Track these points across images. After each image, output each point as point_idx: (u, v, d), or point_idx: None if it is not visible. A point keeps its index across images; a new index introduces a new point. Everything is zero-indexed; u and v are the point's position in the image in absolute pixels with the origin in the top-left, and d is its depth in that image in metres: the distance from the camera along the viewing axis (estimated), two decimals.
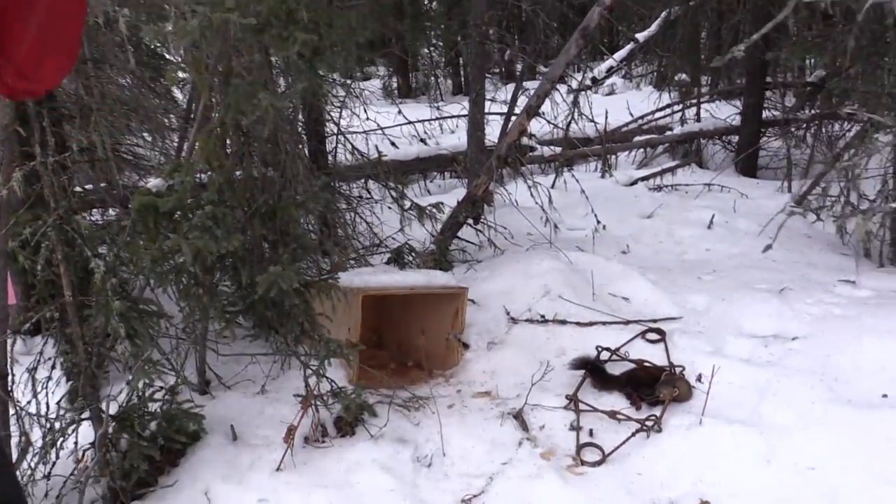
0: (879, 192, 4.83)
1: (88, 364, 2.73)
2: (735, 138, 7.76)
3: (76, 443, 2.86)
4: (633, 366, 3.56)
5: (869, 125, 4.97)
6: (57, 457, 2.93)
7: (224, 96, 2.99)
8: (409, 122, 8.06)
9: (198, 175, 3.07)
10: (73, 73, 3.86)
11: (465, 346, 3.78)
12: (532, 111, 4.98)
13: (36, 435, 2.89)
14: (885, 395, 3.14)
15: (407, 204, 4.40)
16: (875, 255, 4.98)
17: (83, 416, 2.80)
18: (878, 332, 3.50)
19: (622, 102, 9.51)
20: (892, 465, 2.73)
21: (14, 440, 2.79)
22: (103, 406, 2.76)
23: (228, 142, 3.09)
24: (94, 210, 4.83)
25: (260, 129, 2.93)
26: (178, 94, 5.94)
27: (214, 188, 2.90)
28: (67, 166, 3.13)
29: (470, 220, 5.08)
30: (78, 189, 4.57)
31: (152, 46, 5.20)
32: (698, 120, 8.12)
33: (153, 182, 3.10)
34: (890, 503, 2.63)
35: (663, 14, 10.37)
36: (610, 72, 11.55)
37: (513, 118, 6.69)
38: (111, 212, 4.80)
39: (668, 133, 7.90)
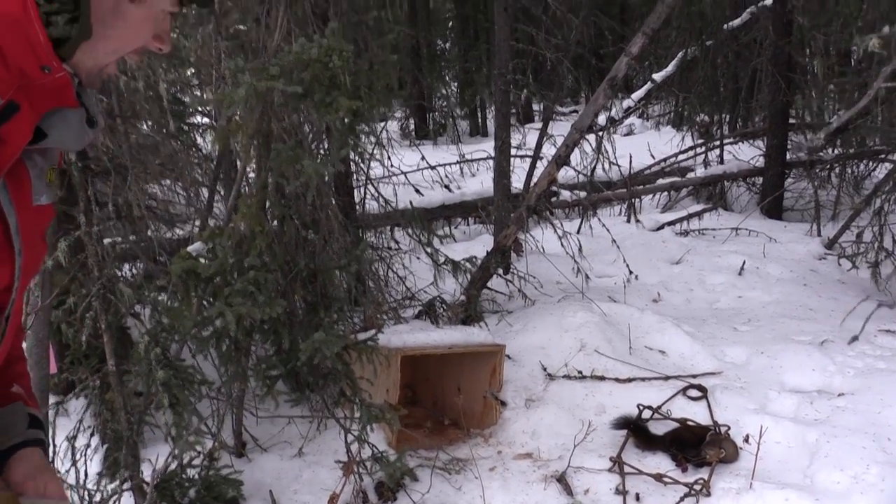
0: None
1: (130, 434, 2.70)
2: (759, 180, 7.71)
3: None
4: (676, 425, 3.48)
5: None
6: None
7: (264, 160, 2.99)
8: (432, 167, 8.07)
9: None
10: (106, 130, 3.88)
11: (503, 403, 3.72)
12: (561, 161, 4.97)
13: None
14: None
15: (441, 258, 4.35)
16: None
17: (125, 487, 2.76)
18: None
19: (642, 143, 9.49)
20: None
21: None
22: (146, 476, 2.72)
23: (268, 205, 3.08)
24: (125, 263, 4.82)
25: (301, 192, 2.91)
26: (198, 140, 5.96)
27: (256, 252, 2.88)
28: (106, 229, 3.14)
29: (499, 270, 5.04)
30: (107, 241, 4.57)
31: (174, 93, 5.22)
32: (721, 162, 8.07)
33: (193, 246, 3.10)
34: None
35: (679, 55, 10.42)
36: (628, 112, 11.58)
37: (538, 164, 6.69)
38: (139, 265, 4.80)
39: (692, 175, 7.86)
